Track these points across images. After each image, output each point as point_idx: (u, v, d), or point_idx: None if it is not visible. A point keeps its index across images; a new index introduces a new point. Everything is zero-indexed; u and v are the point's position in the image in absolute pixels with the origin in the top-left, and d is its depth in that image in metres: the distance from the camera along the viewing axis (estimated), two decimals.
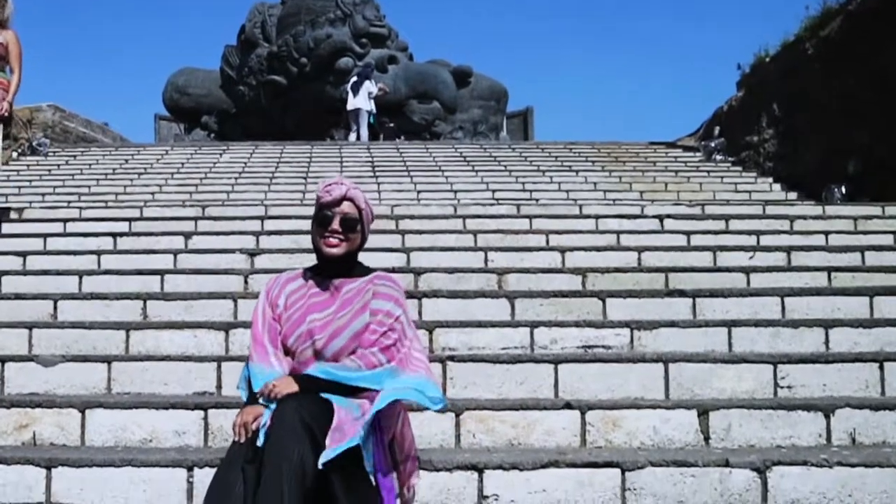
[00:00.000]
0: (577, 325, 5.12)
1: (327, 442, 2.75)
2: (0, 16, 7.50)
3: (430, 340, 5.01)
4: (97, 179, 11.70)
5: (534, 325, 5.08)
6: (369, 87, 16.92)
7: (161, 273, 6.13)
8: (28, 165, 12.94)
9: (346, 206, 3.10)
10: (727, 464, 3.60)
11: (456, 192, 10.53)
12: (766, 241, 7.16)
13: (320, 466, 2.70)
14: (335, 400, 2.87)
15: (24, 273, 6.31)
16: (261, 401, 2.93)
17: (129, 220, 7.89)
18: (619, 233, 7.38)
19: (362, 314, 3.03)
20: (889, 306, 5.51)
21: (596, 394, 4.47)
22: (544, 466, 3.61)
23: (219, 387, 4.59)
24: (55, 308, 5.61)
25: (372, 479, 2.88)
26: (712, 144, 13.86)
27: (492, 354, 4.74)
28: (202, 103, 21.99)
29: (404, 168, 12.37)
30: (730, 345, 5.01)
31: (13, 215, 8.09)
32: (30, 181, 11.65)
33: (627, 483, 3.58)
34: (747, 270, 6.19)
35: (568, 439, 4.06)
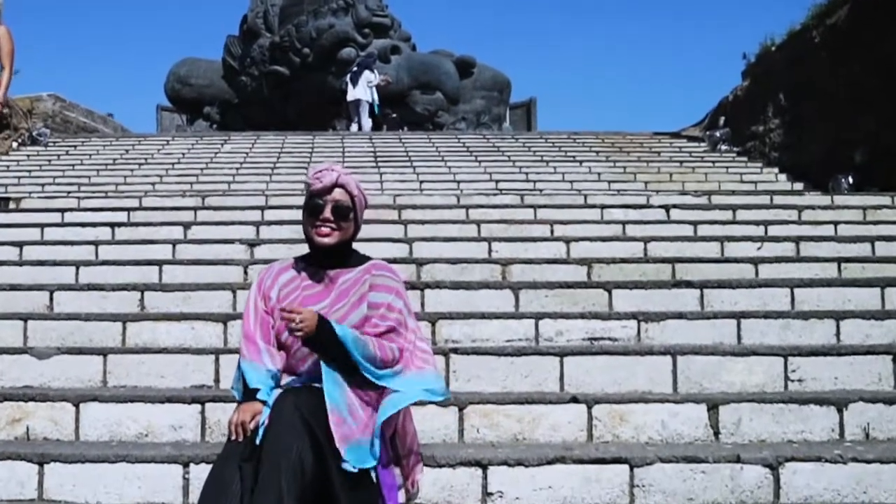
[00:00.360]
0: (582, 316, 5.02)
1: (336, 437, 2.67)
2: None
3: (433, 332, 4.92)
4: (97, 170, 11.59)
5: (538, 316, 4.98)
6: (369, 76, 16.79)
7: (159, 264, 6.03)
8: (28, 155, 12.83)
9: (338, 194, 2.98)
10: (738, 460, 3.51)
11: (459, 182, 10.42)
12: (774, 231, 7.05)
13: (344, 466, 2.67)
14: (333, 390, 2.76)
15: (21, 264, 6.22)
16: (259, 395, 2.83)
17: (128, 209, 7.79)
18: (624, 223, 7.27)
19: (360, 306, 2.90)
20: None
21: (602, 387, 4.37)
22: (550, 462, 3.52)
23: (216, 380, 4.50)
24: (51, 299, 5.52)
25: (373, 474, 2.79)
26: (717, 134, 13.71)
27: (496, 347, 4.64)
28: (204, 94, 21.87)
29: (407, 158, 12.26)
30: (739, 337, 4.92)
31: (11, 205, 7.99)
32: (29, 171, 11.54)
33: (636, 479, 3.49)
34: (755, 261, 6.09)
35: (574, 434, 3.97)
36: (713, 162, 12.39)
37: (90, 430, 4.04)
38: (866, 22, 10.28)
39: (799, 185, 10.61)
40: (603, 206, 7.87)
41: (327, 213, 2.95)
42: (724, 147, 13.40)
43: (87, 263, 6.12)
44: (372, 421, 2.79)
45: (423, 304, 5.37)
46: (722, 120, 14.24)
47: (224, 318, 4.96)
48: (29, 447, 3.75)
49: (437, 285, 5.51)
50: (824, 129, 10.96)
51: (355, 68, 17.10)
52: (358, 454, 2.72)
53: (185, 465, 3.55)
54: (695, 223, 7.23)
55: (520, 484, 3.47)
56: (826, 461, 3.51)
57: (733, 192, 9.62)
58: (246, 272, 5.91)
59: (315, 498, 2.65)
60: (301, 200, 3.13)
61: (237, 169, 11.48)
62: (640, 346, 4.74)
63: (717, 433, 3.96)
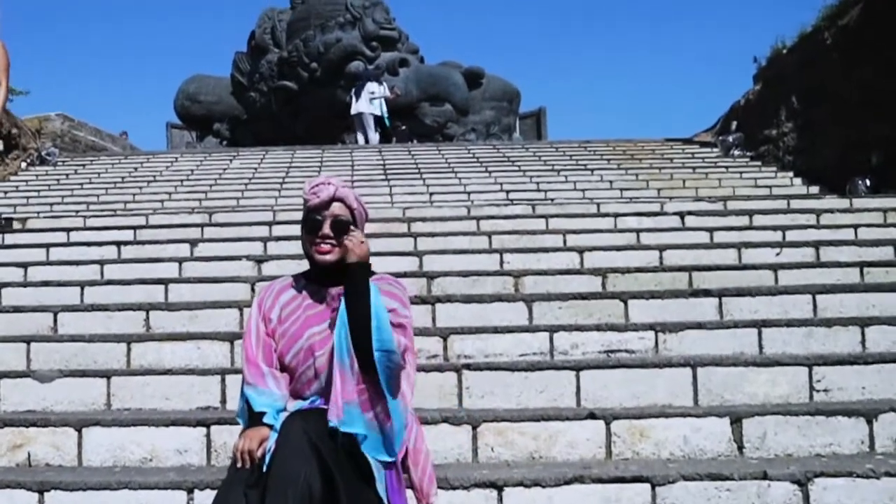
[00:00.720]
0: (598, 328, 4.87)
1: (330, 413, 2.62)
2: None
3: (445, 348, 4.79)
4: (106, 188, 11.53)
5: (553, 329, 4.85)
6: (371, 88, 16.70)
7: (165, 282, 5.93)
8: (37, 175, 12.80)
9: (337, 208, 2.86)
10: (765, 476, 3.36)
11: (469, 193, 10.29)
12: (792, 236, 6.89)
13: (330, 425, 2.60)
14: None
15: (25, 285, 6.12)
16: (266, 419, 2.71)
17: (135, 228, 7.70)
18: (638, 231, 7.13)
19: None
20: None
21: (620, 401, 4.23)
22: (568, 482, 3.39)
23: (223, 401, 4.39)
24: (55, 320, 5.42)
25: (385, 500, 2.66)
26: (730, 139, 13.55)
27: (509, 362, 4.50)
28: (213, 110, 21.86)
29: (416, 170, 12.15)
30: (760, 346, 4.77)
31: (16, 225, 7.92)
32: (38, 191, 11.50)
33: (658, 499, 3.36)
34: (774, 267, 5.93)
35: (592, 451, 3.83)
36: (726, 167, 12.23)
37: (93, 455, 3.92)
38: (879, 23, 10.12)
39: (814, 189, 10.45)
40: (616, 215, 7.72)
41: (326, 230, 2.83)
42: (736, 152, 13.24)
43: (93, 283, 6.02)
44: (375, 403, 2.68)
45: (434, 319, 5.25)
46: (734, 125, 14.06)
47: (230, 338, 4.85)
48: (29, 474, 3.63)
49: (449, 299, 5.38)
50: (838, 131, 10.79)
51: (360, 82, 17.05)
52: (353, 421, 2.63)
53: (190, 491, 3.43)
54: (711, 230, 7.08)
55: None
56: (857, 476, 3.36)
57: (748, 198, 9.47)
58: (253, 289, 5.79)
59: None
60: None
61: (246, 185, 11.39)
62: (658, 358, 4.59)
63: (741, 448, 3.82)
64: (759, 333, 4.79)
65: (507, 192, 10.33)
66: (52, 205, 10.39)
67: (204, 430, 3.91)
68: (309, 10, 19.96)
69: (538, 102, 26.92)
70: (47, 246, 7.08)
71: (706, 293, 5.35)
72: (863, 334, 4.76)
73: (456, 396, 4.31)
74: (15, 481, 3.50)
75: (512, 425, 3.85)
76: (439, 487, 3.20)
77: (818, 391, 4.26)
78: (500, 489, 3.36)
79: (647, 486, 3.36)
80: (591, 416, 3.88)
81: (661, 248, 6.50)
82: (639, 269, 5.98)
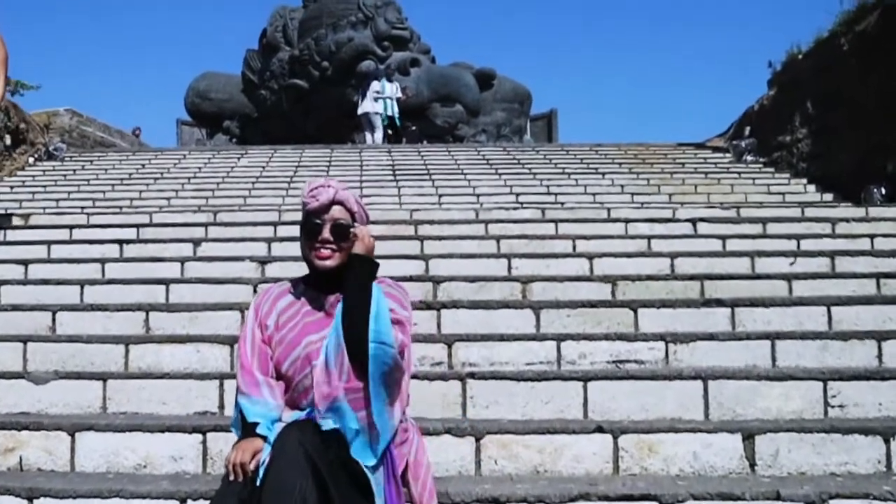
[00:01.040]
0: (606, 337, 4.75)
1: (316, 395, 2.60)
2: None
3: (449, 355, 4.67)
4: (113, 185, 11.45)
5: (560, 338, 4.73)
6: (376, 87, 16.61)
7: (166, 283, 5.82)
8: (44, 171, 12.72)
9: (337, 212, 2.76)
10: (778, 497, 3.25)
11: (478, 195, 10.18)
12: (806, 245, 6.75)
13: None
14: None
15: (25, 283, 6.03)
16: (259, 430, 2.61)
17: (138, 226, 7.60)
18: (649, 238, 7.00)
19: None
20: None
21: (629, 413, 4.11)
22: (573, 500, 3.28)
23: (221, 406, 4.29)
24: (54, 320, 5.33)
25: None
26: (743, 145, 13.39)
27: (515, 371, 4.38)
28: (224, 108, 21.82)
29: (426, 171, 12.04)
30: (773, 359, 4.64)
31: (18, 222, 7.83)
32: (44, 187, 11.43)
33: None
34: (789, 277, 5.80)
35: (599, 466, 3.71)
36: (739, 173, 12.08)
37: (86, 460, 3.82)
38: None
39: (829, 196, 10.29)
40: (627, 221, 7.59)
41: (326, 234, 2.73)
42: (749, 158, 13.08)
43: (93, 282, 5.93)
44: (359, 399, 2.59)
45: (439, 325, 5.14)
46: (747, 130, 13.91)
47: (230, 341, 4.73)
48: (19, 480, 3.54)
49: (454, 305, 5.26)
50: (854, 138, 10.63)
51: (366, 81, 16.99)
52: (341, 419, 2.57)
53: (183, 501, 3.34)
54: (723, 237, 6.94)
55: None
56: (874, 498, 3.24)
57: (761, 204, 9.33)
58: (255, 291, 5.68)
59: None
60: None
61: (253, 183, 11.29)
62: (668, 369, 4.47)
63: (753, 465, 3.69)
64: (773, 346, 4.66)
65: (517, 194, 10.21)
66: (58, 200, 10.31)
67: (200, 436, 3.80)
68: (321, 9, 19.91)
69: (550, 104, 26.82)
70: (49, 243, 7.00)
71: (718, 303, 5.22)
72: (879, 348, 4.62)
73: (460, 406, 4.20)
74: (4, 487, 3.41)
75: (517, 438, 3.74)
76: (440, 502, 3.10)
77: (833, 407, 4.13)
78: None
79: None
80: (599, 429, 3.76)
81: (673, 256, 6.37)
82: (650, 277, 5.86)
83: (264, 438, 2.60)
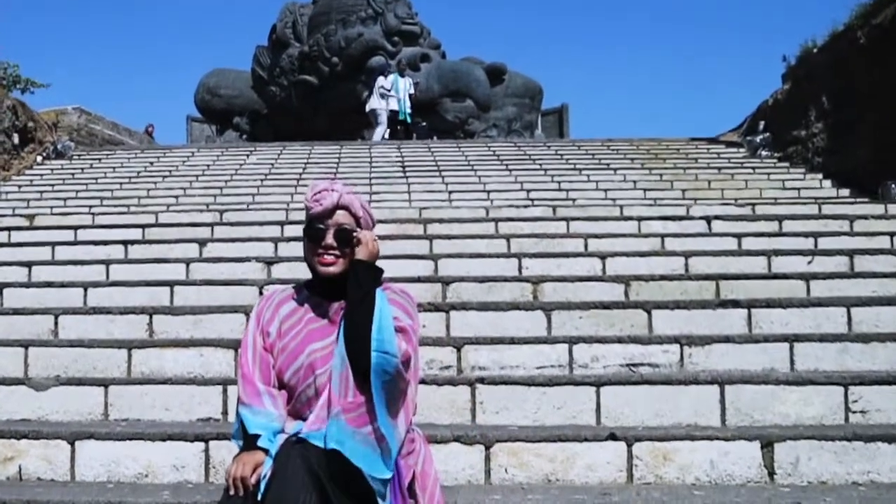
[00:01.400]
0: (619, 340, 4.63)
1: (309, 420, 2.49)
2: None
3: (458, 359, 4.57)
4: (120, 183, 11.39)
5: (572, 341, 4.61)
6: (381, 83, 16.50)
7: (171, 284, 5.74)
8: (52, 169, 12.69)
9: (341, 216, 2.64)
10: None
11: (489, 192, 10.06)
12: (824, 243, 6.61)
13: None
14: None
15: (28, 285, 5.95)
16: (260, 443, 2.50)
17: (143, 226, 7.52)
18: (663, 236, 6.87)
19: None
20: None
21: (643, 419, 4.01)
22: None
23: (224, 412, 4.20)
24: (56, 324, 5.25)
25: None
26: (757, 140, 13.23)
27: (526, 376, 4.26)
28: (234, 104, 21.74)
29: (436, 168, 11.93)
30: (792, 362, 4.52)
31: (23, 222, 7.76)
32: (52, 185, 11.39)
33: None
34: (806, 277, 5.66)
35: (613, 475, 3.59)
36: (753, 168, 11.92)
37: (86, 469, 3.74)
38: None
39: (844, 192, 10.14)
40: (640, 219, 7.46)
41: (329, 240, 2.62)
42: (764, 153, 12.92)
43: (96, 285, 5.84)
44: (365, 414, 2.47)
45: (448, 328, 5.03)
46: (762, 125, 13.73)
47: (234, 345, 4.63)
48: (16, 492, 3.44)
49: (464, 306, 5.15)
50: (870, 133, 10.46)
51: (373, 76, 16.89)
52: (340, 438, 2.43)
53: None
54: (738, 236, 6.81)
55: None
56: None
57: (776, 201, 9.18)
58: (261, 293, 5.59)
59: None
60: None
61: (262, 181, 11.21)
62: (683, 374, 4.35)
63: (772, 474, 3.58)
64: (791, 348, 4.54)
65: (528, 191, 10.09)
66: (65, 199, 10.26)
67: (202, 445, 3.71)
68: (331, 5, 19.79)
69: (561, 99, 26.66)
70: (53, 244, 6.93)
71: (735, 304, 5.09)
72: None
73: (469, 412, 4.10)
74: (1, 500, 3.31)
75: (527, 445, 3.64)
76: None
77: (854, 412, 4.02)
78: None
79: None
80: (612, 436, 3.65)
81: (687, 255, 6.24)
82: (663, 277, 5.74)
83: (266, 451, 2.50)
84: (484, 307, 5.15)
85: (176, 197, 10.28)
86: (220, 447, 3.67)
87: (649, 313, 5.06)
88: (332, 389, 2.51)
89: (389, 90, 16.51)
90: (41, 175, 12.26)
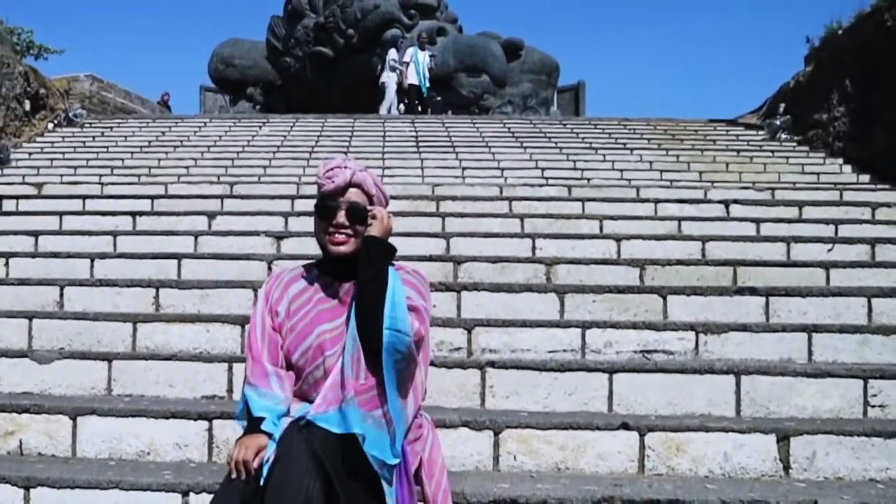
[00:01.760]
0: (634, 326, 4.53)
1: (316, 402, 2.42)
2: None
3: (469, 341, 4.48)
4: (132, 152, 11.29)
5: (585, 325, 4.52)
6: (392, 56, 16.34)
7: (178, 258, 5.66)
8: (63, 137, 12.59)
9: (353, 194, 2.56)
10: None
11: (503, 170, 9.92)
12: (845, 231, 6.47)
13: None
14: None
15: (34, 255, 5.88)
16: (264, 426, 2.43)
17: (152, 197, 7.43)
18: (680, 219, 6.74)
19: None
20: None
21: (656, 408, 3.93)
22: (596, 503, 3.06)
23: (230, 390, 4.13)
24: (62, 295, 5.19)
25: None
26: (777, 122, 13.01)
27: (538, 361, 4.17)
28: (248, 75, 21.60)
29: (450, 144, 11.79)
30: (810, 353, 4.42)
31: (31, 191, 7.68)
32: (63, 153, 11.30)
33: None
34: (826, 265, 5.54)
35: (624, 465, 3.51)
36: (772, 151, 11.73)
37: (88, 445, 3.68)
38: None
39: (865, 178, 9.95)
40: (657, 201, 7.32)
41: (341, 218, 2.54)
42: (784, 136, 12.70)
43: (103, 256, 5.76)
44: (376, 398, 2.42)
45: (459, 308, 4.94)
46: (782, 107, 13.49)
47: (241, 321, 4.55)
48: (16, 468, 3.38)
49: (475, 287, 5.05)
50: (893, 118, 10.25)
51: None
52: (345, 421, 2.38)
53: (185, 494, 3.18)
54: (757, 221, 6.68)
55: None
56: None
57: (795, 185, 9.02)
58: (270, 268, 5.51)
59: None
60: None
61: (274, 153, 11.10)
62: (698, 363, 4.24)
63: (787, 468, 3.49)
64: (809, 339, 4.44)
65: (543, 169, 9.95)
66: (75, 168, 10.16)
67: (206, 423, 3.65)
68: None
69: (577, 76, 26.43)
70: (61, 214, 6.85)
71: (752, 291, 4.98)
72: None
73: (478, 395, 4.02)
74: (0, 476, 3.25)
75: (537, 433, 3.55)
76: (455, 502, 2.92)
77: (873, 406, 3.92)
78: None
79: None
80: (625, 426, 3.56)
81: (704, 240, 6.12)
82: (679, 262, 5.62)
83: (269, 435, 2.42)
84: (496, 288, 5.05)
85: (186, 168, 10.18)
86: (225, 426, 3.61)
87: (664, 299, 4.96)
88: (344, 371, 2.43)
89: (399, 63, 16.34)
90: (52, 143, 12.17)
